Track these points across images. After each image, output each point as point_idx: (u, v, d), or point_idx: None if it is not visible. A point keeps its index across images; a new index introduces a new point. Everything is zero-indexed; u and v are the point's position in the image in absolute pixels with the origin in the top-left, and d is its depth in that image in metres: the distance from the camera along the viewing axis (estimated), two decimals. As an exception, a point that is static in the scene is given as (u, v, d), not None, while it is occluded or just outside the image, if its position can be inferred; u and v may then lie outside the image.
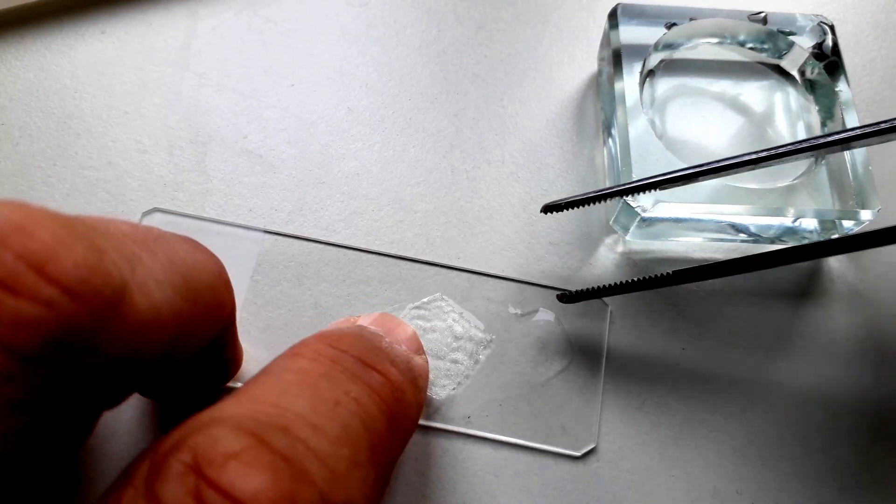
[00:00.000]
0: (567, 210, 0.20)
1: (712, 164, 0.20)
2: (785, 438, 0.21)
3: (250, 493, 0.10)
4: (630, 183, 0.20)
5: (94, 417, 0.12)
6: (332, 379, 0.13)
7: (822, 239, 0.23)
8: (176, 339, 0.12)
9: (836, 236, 0.22)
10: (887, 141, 0.19)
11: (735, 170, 0.20)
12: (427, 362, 0.18)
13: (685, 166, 0.20)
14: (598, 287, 0.21)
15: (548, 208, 0.20)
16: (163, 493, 0.10)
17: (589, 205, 0.20)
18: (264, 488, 0.10)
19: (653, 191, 0.20)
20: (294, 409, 0.12)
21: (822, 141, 0.19)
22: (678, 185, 0.20)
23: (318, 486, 0.10)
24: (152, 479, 0.10)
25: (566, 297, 0.22)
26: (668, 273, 0.20)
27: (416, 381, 0.15)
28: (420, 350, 0.18)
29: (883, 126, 0.19)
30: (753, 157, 0.20)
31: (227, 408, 0.12)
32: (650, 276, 0.20)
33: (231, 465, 0.10)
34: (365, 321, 0.18)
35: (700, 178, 0.20)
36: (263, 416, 0.11)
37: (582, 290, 0.21)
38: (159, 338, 0.12)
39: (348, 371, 0.13)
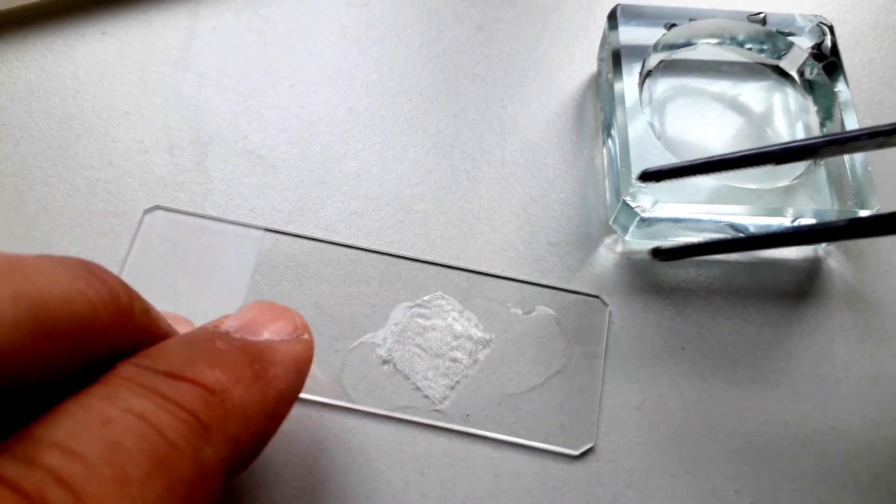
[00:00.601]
0: (668, 180, 0.20)
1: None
2: (785, 438, 0.21)
3: None
4: (741, 152, 0.19)
5: None
6: (111, 398, 0.12)
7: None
8: (24, 371, 0.12)
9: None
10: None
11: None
12: (308, 343, 0.16)
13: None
14: (696, 244, 0.21)
15: (646, 176, 0.19)
16: None
17: (689, 176, 0.20)
18: None
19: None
20: (49, 438, 0.11)
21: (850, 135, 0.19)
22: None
23: None
24: None
25: (661, 252, 0.22)
26: (764, 234, 0.21)
27: (259, 374, 0.15)
28: (296, 332, 0.17)
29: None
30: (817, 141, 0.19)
31: None
32: (749, 236, 0.21)
33: None
34: (232, 318, 0.17)
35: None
36: (10, 449, 0.11)
37: (679, 246, 0.22)
38: None
39: (140, 387, 0.13)
